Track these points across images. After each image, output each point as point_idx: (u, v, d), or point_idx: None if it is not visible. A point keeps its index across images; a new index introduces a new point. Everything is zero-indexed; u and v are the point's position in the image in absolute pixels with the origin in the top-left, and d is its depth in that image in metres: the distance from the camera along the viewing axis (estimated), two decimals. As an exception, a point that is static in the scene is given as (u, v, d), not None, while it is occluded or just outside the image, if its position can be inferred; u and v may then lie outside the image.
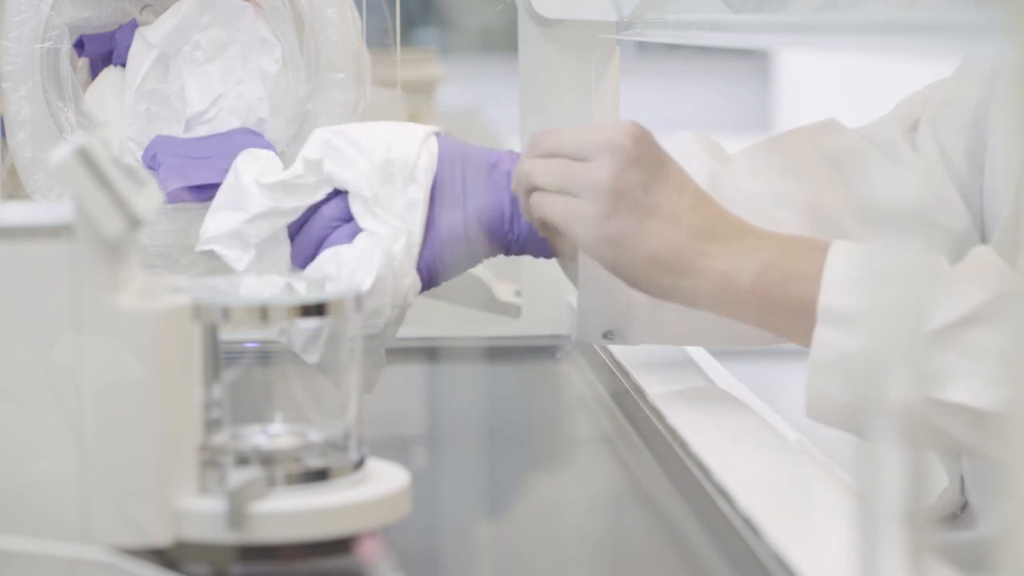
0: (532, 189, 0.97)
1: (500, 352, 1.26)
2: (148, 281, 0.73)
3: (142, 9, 1.36)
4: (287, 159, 1.28)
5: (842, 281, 0.90)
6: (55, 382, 0.70)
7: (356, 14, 1.31)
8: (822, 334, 0.90)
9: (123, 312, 0.69)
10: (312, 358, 0.97)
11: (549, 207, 0.96)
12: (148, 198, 0.72)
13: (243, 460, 0.72)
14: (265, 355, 1.15)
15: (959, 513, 1.10)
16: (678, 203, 0.94)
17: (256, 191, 1.03)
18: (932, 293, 0.91)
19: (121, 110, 1.32)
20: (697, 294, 0.94)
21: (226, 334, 0.73)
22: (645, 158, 0.95)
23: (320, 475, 0.72)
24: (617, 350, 1.13)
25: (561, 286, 1.30)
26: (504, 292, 1.31)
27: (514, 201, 1.02)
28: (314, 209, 1.03)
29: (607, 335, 1.05)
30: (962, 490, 1.09)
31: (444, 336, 1.28)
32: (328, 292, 0.73)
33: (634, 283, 0.95)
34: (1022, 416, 0.46)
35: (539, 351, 1.27)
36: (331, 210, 1.02)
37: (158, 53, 1.33)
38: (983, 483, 1.08)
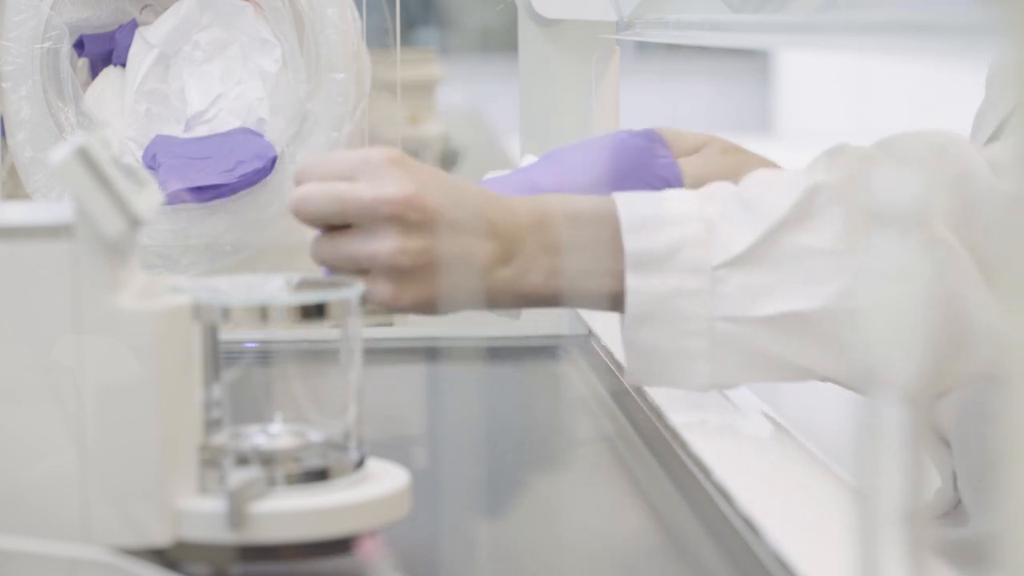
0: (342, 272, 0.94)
1: (500, 352, 1.26)
2: (148, 281, 0.73)
3: (142, 9, 1.36)
4: (286, 159, 1.28)
5: (643, 224, 0.91)
6: (55, 382, 0.69)
7: (356, 14, 1.31)
8: (633, 281, 0.91)
9: (123, 312, 0.69)
10: None
11: (370, 293, 0.92)
12: (148, 198, 0.72)
13: (243, 460, 0.72)
14: (265, 355, 1.15)
15: (951, 511, 1.10)
16: (464, 243, 0.92)
17: None
18: (720, 218, 0.92)
19: (121, 110, 1.32)
20: (518, 306, 0.96)
21: (226, 334, 0.73)
22: (418, 218, 0.91)
23: (320, 475, 0.72)
24: (617, 350, 1.13)
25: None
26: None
27: None
28: None
29: None
30: (955, 487, 1.10)
31: (444, 336, 1.28)
32: (329, 293, 0.73)
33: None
34: (1021, 415, 0.46)
35: (539, 351, 1.27)
36: None
37: (158, 53, 1.33)
38: (975, 481, 1.08)
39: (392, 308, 0.93)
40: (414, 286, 0.92)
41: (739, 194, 0.92)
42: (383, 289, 0.92)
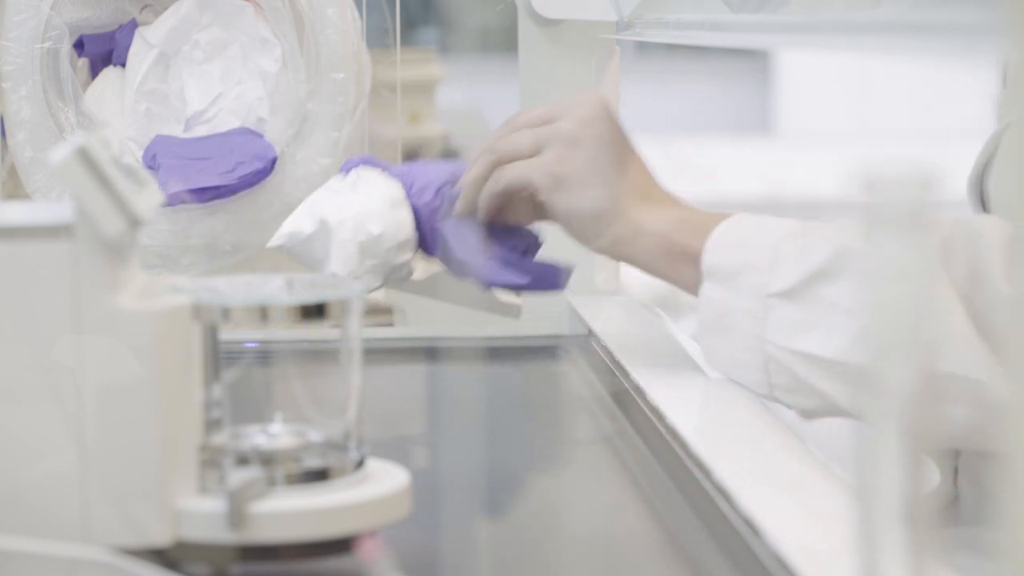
0: (497, 163, 1.05)
1: (500, 352, 1.26)
2: (148, 281, 0.73)
3: (142, 9, 1.36)
4: (286, 159, 1.28)
5: (726, 243, 1.00)
6: (55, 382, 0.70)
7: (356, 14, 1.31)
8: (705, 290, 1.00)
9: (123, 312, 0.69)
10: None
11: (513, 170, 1.04)
12: (148, 198, 0.72)
13: (243, 460, 0.72)
14: (265, 355, 1.15)
15: (949, 506, 1.10)
16: (625, 165, 1.03)
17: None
18: (784, 255, 0.99)
19: (121, 110, 1.32)
20: (621, 243, 1.03)
21: (226, 334, 0.73)
22: (607, 119, 1.04)
23: (320, 475, 0.72)
24: (617, 350, 1.13)
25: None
26: (504, 292, 1.31)
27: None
28: None
29: None
30: (954, 483, 1.10)
31: (444, 336, 1.28)
32: (329, 292, 0.73)
33: (571, 227, 1.04)
34: (1021, 412, 0.46)
35: (539, 351, 1.27)
36: None
37: (158, 53, 1.33)
38: (975, 477, 1.08)
39: (551, 176, 1.03)
40: (579, 162, 1.03)
41: (815, 231, 0.98)
42: (553, 155, 1.03)
